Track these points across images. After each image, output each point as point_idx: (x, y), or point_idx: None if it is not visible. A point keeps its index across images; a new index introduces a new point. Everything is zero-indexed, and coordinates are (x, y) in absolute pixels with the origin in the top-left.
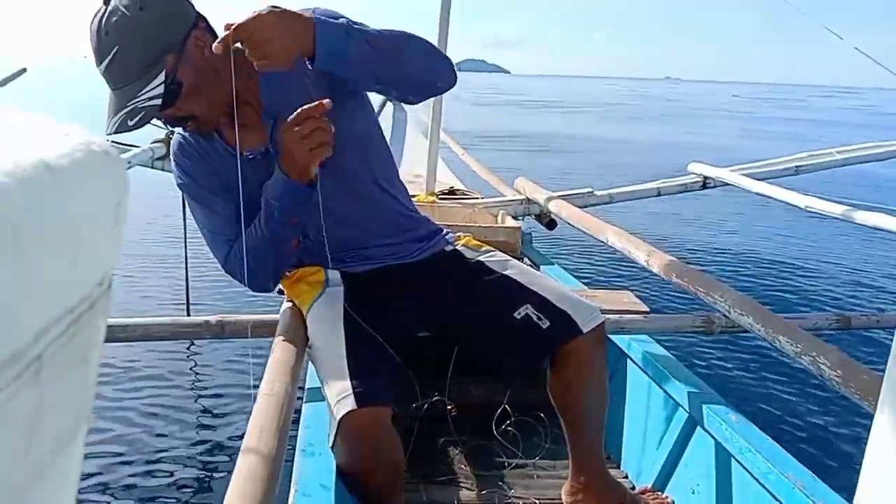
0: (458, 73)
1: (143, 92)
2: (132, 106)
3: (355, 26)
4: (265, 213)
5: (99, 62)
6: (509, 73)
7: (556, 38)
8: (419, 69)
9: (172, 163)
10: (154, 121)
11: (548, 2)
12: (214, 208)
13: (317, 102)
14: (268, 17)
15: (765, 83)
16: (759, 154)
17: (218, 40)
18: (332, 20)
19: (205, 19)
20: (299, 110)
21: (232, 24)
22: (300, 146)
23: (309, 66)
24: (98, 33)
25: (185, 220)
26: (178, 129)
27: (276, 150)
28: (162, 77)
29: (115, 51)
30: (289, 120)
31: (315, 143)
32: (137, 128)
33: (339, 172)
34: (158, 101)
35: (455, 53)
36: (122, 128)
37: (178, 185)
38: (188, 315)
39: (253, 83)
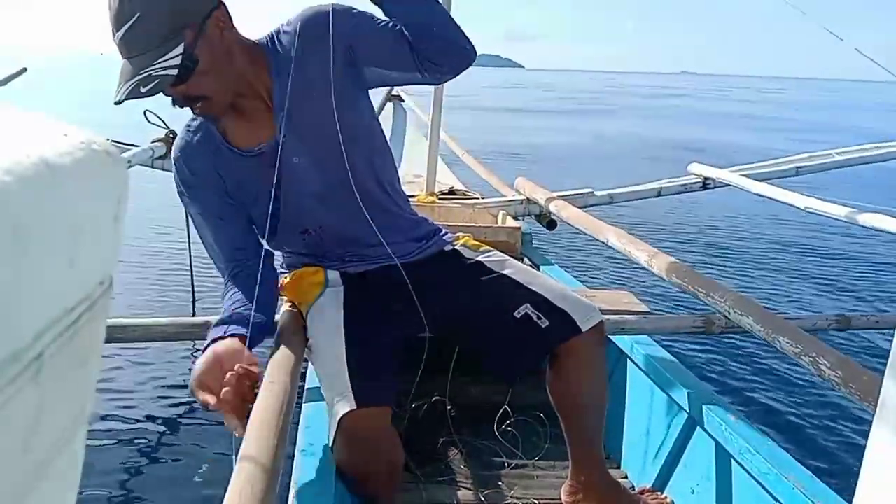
0: (471, 69)
1: (159, 61)
2: (146, 73)
3: None
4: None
5: (117, 28)
6: (523, 67)
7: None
8: (451, 29)
9: (174, 169)
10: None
11: None
12: (221, 213)
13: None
14: None
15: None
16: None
17: None
18: None
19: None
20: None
21: None
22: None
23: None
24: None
25: (188, 220)
26: (181, 130)
27: (285, 142)
28: (180, 49)
29: (135, 17)
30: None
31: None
32: (149, 95)
33: (343, 169)
34: (174, 73)
35: None
36: (133, 94)
37: (180, 192)
38: (194, 315)
39: (263, 76)
